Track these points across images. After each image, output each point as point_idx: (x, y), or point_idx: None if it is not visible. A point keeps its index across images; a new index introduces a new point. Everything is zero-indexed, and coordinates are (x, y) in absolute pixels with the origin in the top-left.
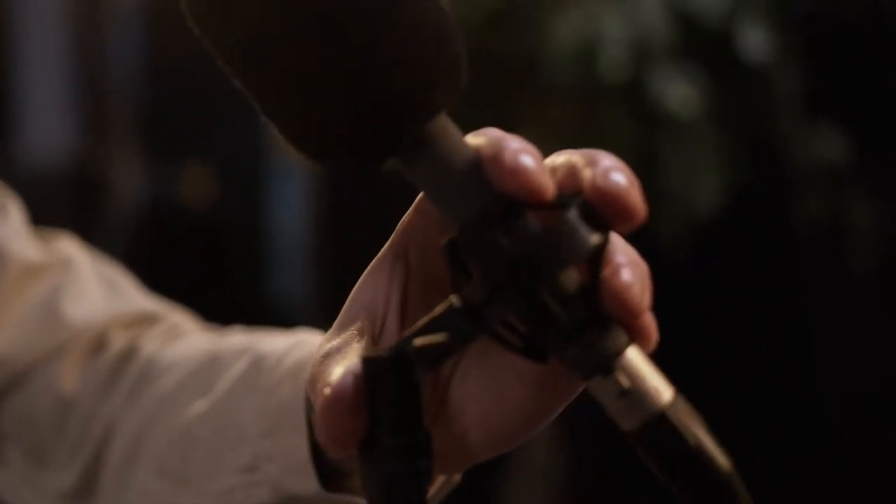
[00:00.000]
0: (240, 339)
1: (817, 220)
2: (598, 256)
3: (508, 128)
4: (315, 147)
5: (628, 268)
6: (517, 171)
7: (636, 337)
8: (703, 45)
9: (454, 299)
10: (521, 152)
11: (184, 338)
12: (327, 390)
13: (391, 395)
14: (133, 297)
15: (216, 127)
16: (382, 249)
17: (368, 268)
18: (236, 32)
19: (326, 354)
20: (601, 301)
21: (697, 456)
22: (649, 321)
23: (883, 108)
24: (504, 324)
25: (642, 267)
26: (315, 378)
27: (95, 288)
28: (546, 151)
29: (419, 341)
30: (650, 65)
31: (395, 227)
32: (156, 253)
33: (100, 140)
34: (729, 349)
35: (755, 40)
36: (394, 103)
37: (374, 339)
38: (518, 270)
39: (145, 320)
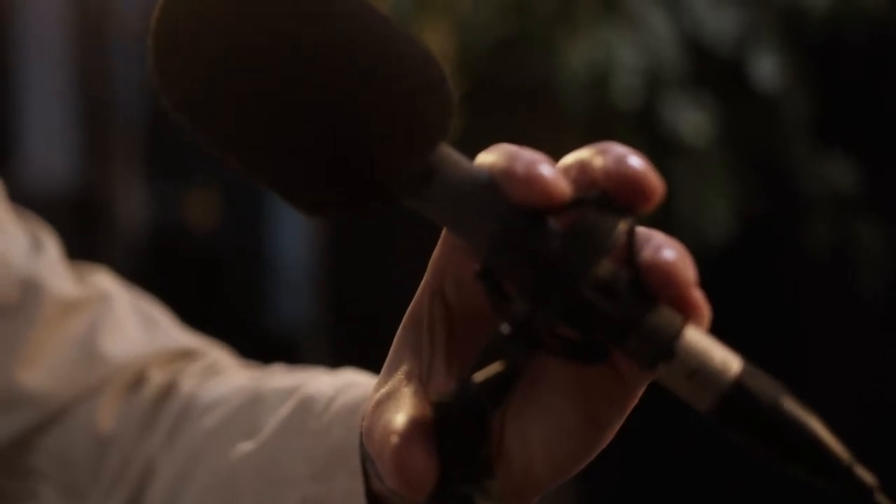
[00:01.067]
0: (284, 379)
1: (826, 246)
2: (630, 243)
3: None
4: (313, 204)
5: (667, 245)
6: (531, 181)
7: (690, 313)
8: (714, 73)
9: (501, 325)
10: (532, 162)
11: (223, 375)
12: (394, 438)
13: (462, 438)
14: (171, 332)
15: None
16: (419, 289)
17: (408, 309)
18: (215, 106)
19: (378, 402)
20: (646, 286)
21: (784, 417)
22: (699, 295)
23: (891, 134)
24: (556, 336)
25: (679, 244)
26: (372, 428)
27: (133, 324)
28: None
29: (479, 376)
30: (662, 92)
31: (397, 252)
32: (158, 278)
33: (102, 164)
34: None
35: (766, 68)
36: (386, 147)
37: (424, 380)
38: (554, 277)
39: (184, 356)
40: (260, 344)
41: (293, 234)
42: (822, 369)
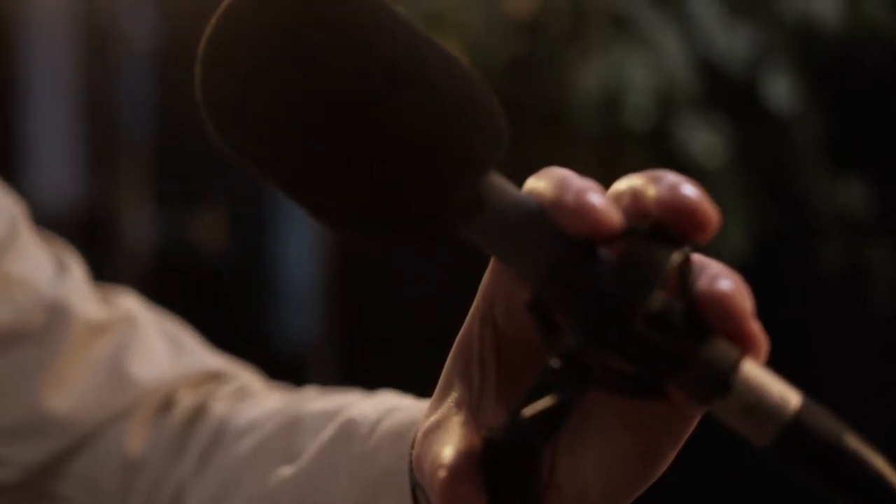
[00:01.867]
0: (322, 403)
1: (838, 268)
2: (684, 274)
3: (530, 175)
4: (362, 235)
5: (724, 275)
6: (582, 211)
7: (746, 345)
8: (727, 94)
9: (551, 358)
10: (583, 191)
11: (254, 398)
12: (442, 472)
13: (513, 473)
14: (198, 354)
15: (227, 172)
16: (469, 315)
17: (459, 335)
18: (267, 135)
19: (428, 431)
20: (701, 318)
21: (846, 455)
22: (757, 327)
23: None
24: (608, 369)
25: (736, 274)
26: (421, 458)
27: (160, 346)
28: None
29: (528, 411)
30: (674, 113)
31: (404, 273)
32: (166, 298)
33: (109, 185)
34: None
35: (779, 90)
36: (435, 175)
37: (473, 409)
38: (605, 309)
39: (212, 379)
40: (267, 364)
41: (300, 255)
42: (834, 390)
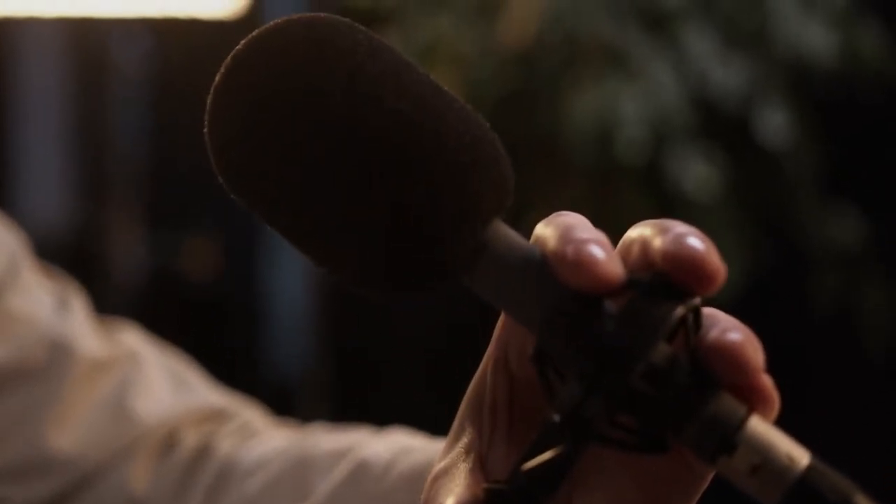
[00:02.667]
0: (332, 441)
1: (832, 304)
2: (691, 327)
3: (523, 208)
4: (369, 284)
5: (734, 328)
6: (582, 265)
7: (756, 400)
8: (720, 128)
9: (552, 412)
10: (584, 243)
11: (259, 436)
12: None
13: None
14: (202, 391)
15: (218, 198)
16: (483, 360)
17: (473, 379)
18: (276, 189)
19: (436, 477)
20: (708, 372)
21: None
22: (768, 381)
23: None
24: (612, 423)
25: (746, 328)
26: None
27: (164, 383)
28: None
29: (530, 465)
30: (668, 146)
31: (397, 303)
32: (155, 325)
33: (100, 210)
34: None
35: (773, 124)
36: (441, 229)
37: (482, 455)
38: (606, 364)
39: (216, 417)
40: (257, 392)
41: (293, 282)
42: (827, 427)
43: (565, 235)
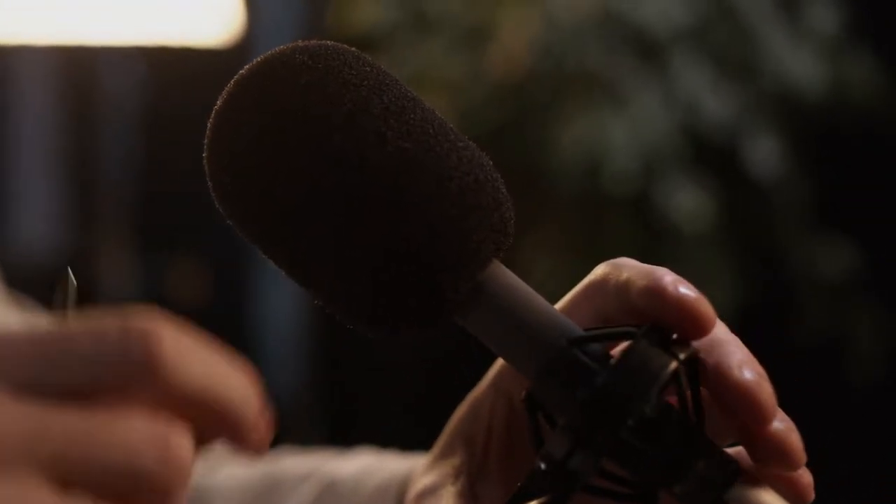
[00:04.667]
0: (299, 463)
1: (820, 333)
2: (694, 377)
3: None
4: (363, 323)
5: (745, 367)
6: (686, 303)
7: (763, 456)
8: (710, 158)
9: (538, 459)
10: (679, 283)
11: (227, 460)
12: None
13: None
14: None
15: (208, 226)
16: (484, 382)
17: (469, 399)
18: (272, 218)
19: (421, 495)
20: (699, 428)
21: None
22: (779, 433)
23: (889, 220)
24: (603, 472)
25: (756, 364)
26: None
27: None
28: (549, 261)
29: None
30: (657, 176)
31: (392, 339)
32: None
33: (90, 236)
34: None
35: (763, 153)
36: (437, 270)
37: (472, 478)
38: (595, 415)
39: None
40: None
41: (282, 306)
42: (815, 459)
43: (656, 273)
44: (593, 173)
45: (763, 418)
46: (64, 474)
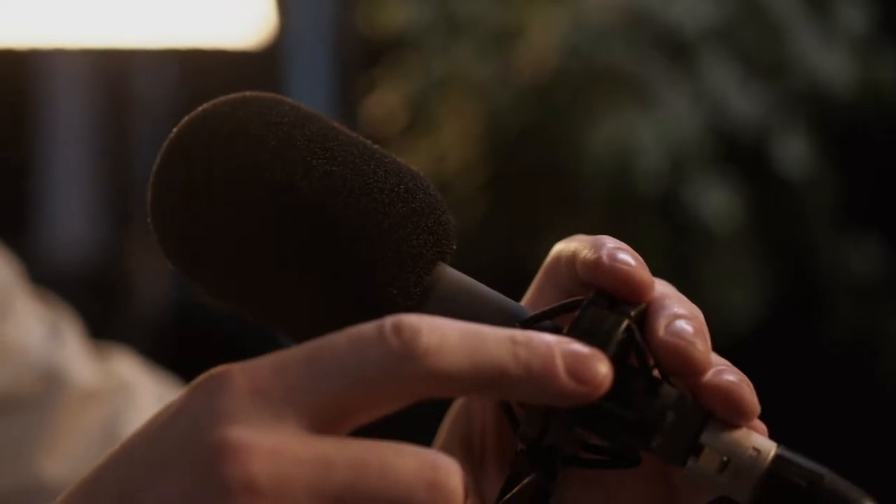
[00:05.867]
0: None
1: (849, 333)
2: (635, 338)
3: (541, 237)
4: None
5: (681, 319)
6: (618, 271)
7: (715, 400)
8: (738, 157)
9: (517, 443)
10: (618, 251)
11: None
12: None
13: None
14: None
15: None
16: None
17: (460, 400)
18: (221, 264)
19: None
20: (662, 379)
21: (827, 497)
22: (720, 379)
23: None
24: (582, 444)
25: (695, 319)
26: None
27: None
28: None
29: (505, 500)
30: (685, 176)
31: None
32: (178, 354)
33: (124, 239)
34: None
35: (792, 153)
36: (382, 274)
37: (472, 475)
38: None
39: None
40: None
41: None
42: (845, 461)
43: (597, 243)
44: (622, 173)
45: (693, 372)
46: None
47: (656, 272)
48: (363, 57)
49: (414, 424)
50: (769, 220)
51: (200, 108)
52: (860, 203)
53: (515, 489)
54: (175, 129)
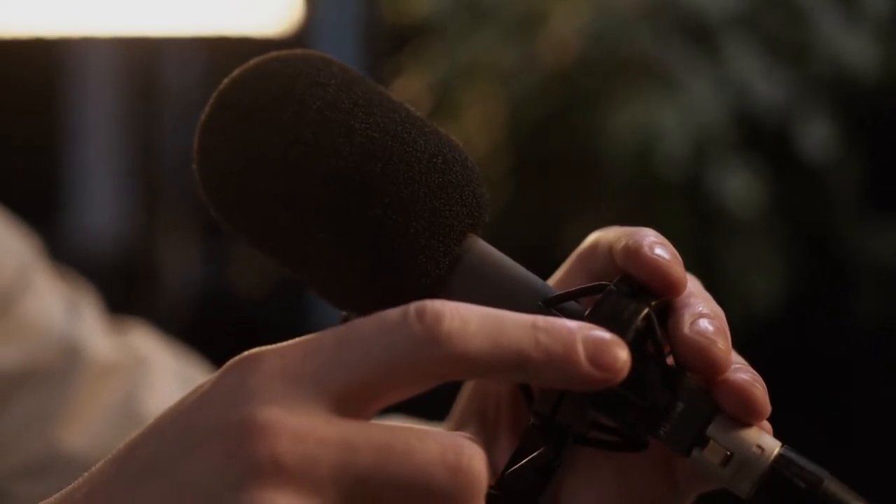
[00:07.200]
0: None
1: (875, 317)
2: (653, 327)
3: (565, 223)
4: (352, 300)
5: (701, 320)
6: (658, 265)
7: (727, 396)
8: (761, 143)
9: (531, 416)
10: (657, 245)
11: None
12: None
13: None
14: None
15: None
16: None
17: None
18: (264, 217)
19: None
20: (677, 370)
21: (823, 498)
22: (734, 376)
23: None
24: (594, 424)
25: (718, 319)
26: None
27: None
28: None
29: (517, 468)
30: (709, 161)
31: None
32: (206, 341)
33: (152, 224)
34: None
35: (815, 137)
36: (413, 242)
37: (485, 447)
38: None
39: None
40: None
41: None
42: (871, 444)
43: (639, 234)
44: (645, 159)
45: (714, 371)
46: (362, 500)
47: (680, 257)
48: (388, 44)
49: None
50: (792, 206)
51: (252, 62)
52: (884, 188)
53: (523, 461)
54: (224, 82)
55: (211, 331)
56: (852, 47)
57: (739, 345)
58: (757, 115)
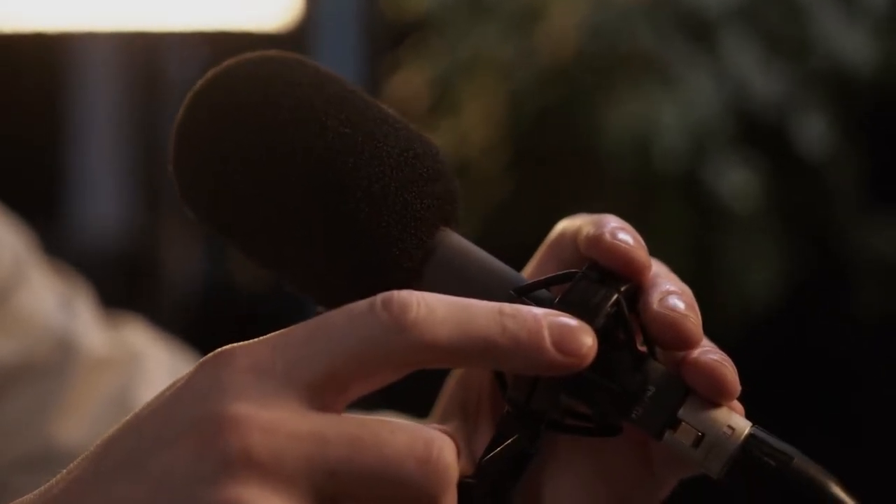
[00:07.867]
0: None
1: (875, 312)
2: (623, 312)
3: (561, 218)
4: (327, 294)
5: (670, 297)
6: (618, 249)
7: (697, 377)
8: (760, 137)
9: (505, 405)
10: (619, 230)
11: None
12: None
13: None
14: None
15: None
16: None
17: (459, 370)
18: (238, 214)
19: None
20: (648, 354)
21: (796, 478)
22: (704, 357)
23: None
24: (564, 410)
25: (686, 295)
26: None
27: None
28: None
29: (493, 457)
30: (707, 156)
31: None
32: (208, 335)
33: (155, 220)
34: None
35: (814, 132)
36: (385, 236)
37: (467, 439)
38: None
39: None
40: None
41: None
42: (870, 441)
43: (600, 221)
44: (643, 153)
45: (686, 344)
46: (334, 492)
47: (677, 252)
48: (388, 39)
49: (424, 393)
50: (791, 201)
51: (224, 64)
52: (883, 183)
53: (499, 448)
54: (198, 83)
55: (214, 326)
56: (851, 43)
57: (738, 341)
58: (755, 110)
